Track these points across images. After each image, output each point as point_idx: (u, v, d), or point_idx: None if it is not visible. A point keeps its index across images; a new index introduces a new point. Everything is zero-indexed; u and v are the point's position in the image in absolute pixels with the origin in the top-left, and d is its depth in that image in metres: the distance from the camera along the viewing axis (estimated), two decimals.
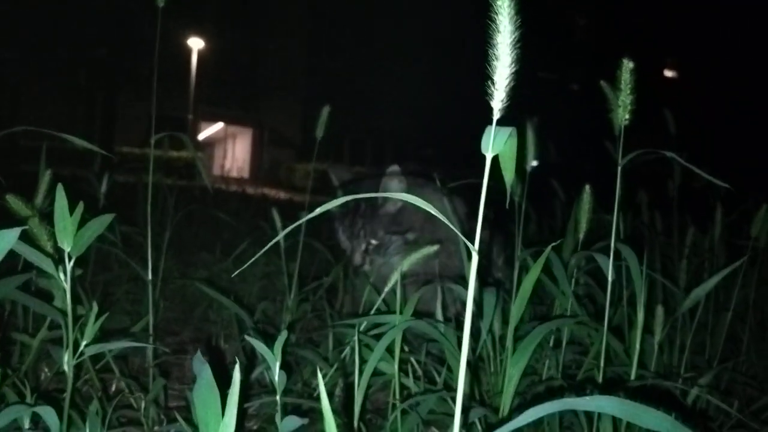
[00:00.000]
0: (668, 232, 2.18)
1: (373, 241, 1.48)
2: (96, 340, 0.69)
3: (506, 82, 0.46)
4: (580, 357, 1.14)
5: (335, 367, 1.13)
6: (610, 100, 1.14)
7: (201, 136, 22.79)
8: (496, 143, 0.45)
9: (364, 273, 1.49)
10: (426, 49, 17.43)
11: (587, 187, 1.01)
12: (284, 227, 1.44)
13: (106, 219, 0.66)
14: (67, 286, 0.62)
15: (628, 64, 0.84)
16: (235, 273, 0.60)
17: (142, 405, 0.88)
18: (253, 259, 0.56)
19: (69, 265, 0.62)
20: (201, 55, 19.43)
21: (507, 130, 0.46)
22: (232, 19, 19.64)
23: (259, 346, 0.65)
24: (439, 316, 1.03)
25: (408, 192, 1.61)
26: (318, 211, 0.53)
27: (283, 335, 0.68)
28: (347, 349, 1.11)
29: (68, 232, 0.60)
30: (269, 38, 20.70)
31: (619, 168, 0.85)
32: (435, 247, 1.03)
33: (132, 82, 12.91)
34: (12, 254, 0.63)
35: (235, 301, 1.89)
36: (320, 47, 20.71)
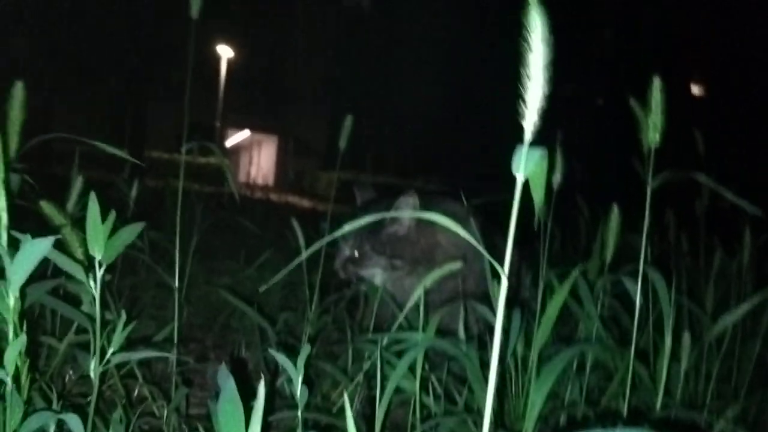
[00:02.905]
0: (695, 253, 2.15)
1: (356, 253, 1.49)
2: (122, 347, 0.70)
3: (538, 102, 0.46)
4: (604, 382, 1.12)
5: (355, 382, 1.13)
6: (640, 120, 1.13)
7: (228, 143, 23.05)
8: (528, 164, 0.45)
9: (383, 287, 1.51)
10: (455, 61, 17.44)
11: (615, 208, 1.00)
12: (306, 237, 1.45)
13: (137, 227, 0.67)
14: (97, 294, 0.63)
15: (657, 83, 0.83)
16: (263, 288, 0.61)
17: (165, 413, 0.89)
18: (277, 276, 0.57)
19: (99, 273, 0.63)
20: (230, 63, 19.71)
21: (538, 151, 0.46)
22: (260, 28, 19.89)
23: (283, 360, 0.65)
24: (462, 335, 1.02)
25: (429, 209, 1.62)
26: (337, 233, 0.54)
27: (305, 350, 0.68)
28: (367, 364, 1.11)
29: (99, 240, 0.61)
30: (296, 47, 20.93)
31: (649, 189, 0.83)
32: (458, 265, 1.03)
33: (162, 90, 13.15)
34: (43, 259, 0.64)
35: (258, 310, 1.91)
36: (347, 57, 20.85)
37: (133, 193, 1.49)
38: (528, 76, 0.46)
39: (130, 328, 0.69)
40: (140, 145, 12.96)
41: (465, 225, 1.60)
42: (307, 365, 0.68)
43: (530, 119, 0.45)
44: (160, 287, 1.78)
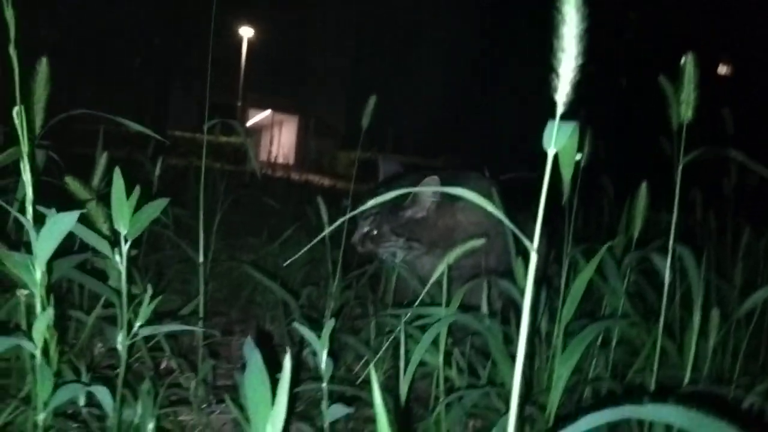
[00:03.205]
0: (722, 231, 2.11)
1: (375, 232, 1.50)
2: (149, 321, 0.71)
3: (571, 75, 0.44)
4: (630, 357, 1.12)
5: (378, 355, 1.14)
6: (668, 96, 1.10)
7: (249, 123, 23.14)
8: (558, 139, 0.44)
9: (402, 265, 1.51)
10: (477, 40, 17.22)
11: (644, 185, 0.98)
12: (329, 215, 1.45)
13: (161, 203, 0.67)
14: (123, 268, 0.63)
15: (691, 58, 0.80)
16: (286, 263, 0.61)
17: (192, 385, 0.90)
18: (300, 252, 0.57)
19: (125, 248, 0.63)
20: (251, 43, 19.70)
21: (570, 126, 0.45)
22: (282, 9, 19.81)
23: (307, 333, 0.65)
24: (484, 310, 1.02)
25: (452, 184, 1.61)
26: (360, 209, 0.54)
27: (329, 323, 0.68)
28: (390, 338, 1.11)
29: (125, 216, 0.61)
30: (317, 28, 20.84)
31: (680, 168, 0.82)
32: (480, 242, 1.03)
33: (184, 70, 13.19)
34: (69, 234, 0.65)
35: (281, 285, 1.93)
36: (367, 37, 20.71)
37: (157, 171, 1.50)
38: (561, 48, 0.45)
39: (156, 301, 0.69)
40: (163, 124, 13.06)
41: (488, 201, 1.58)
42: (331, 339, 0.68)
43: (562, 92, 0.44)
44: (184, 262, 1.80)
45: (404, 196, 1.52)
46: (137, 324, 0.67)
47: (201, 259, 0.99)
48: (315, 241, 0.56)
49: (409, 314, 1.03)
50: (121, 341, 0.64)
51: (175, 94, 14.27)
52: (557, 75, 0.45)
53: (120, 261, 0.63)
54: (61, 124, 0.92)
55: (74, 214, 0.50)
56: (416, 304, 1.13)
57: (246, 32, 19.55)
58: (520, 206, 1.87)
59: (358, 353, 1.26)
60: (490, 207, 0.53)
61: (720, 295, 1.43)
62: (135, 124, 0.85)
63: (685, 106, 0.78)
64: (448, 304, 0.92)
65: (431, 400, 1.00)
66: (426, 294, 1.42)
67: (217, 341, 1.56)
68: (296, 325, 0.67)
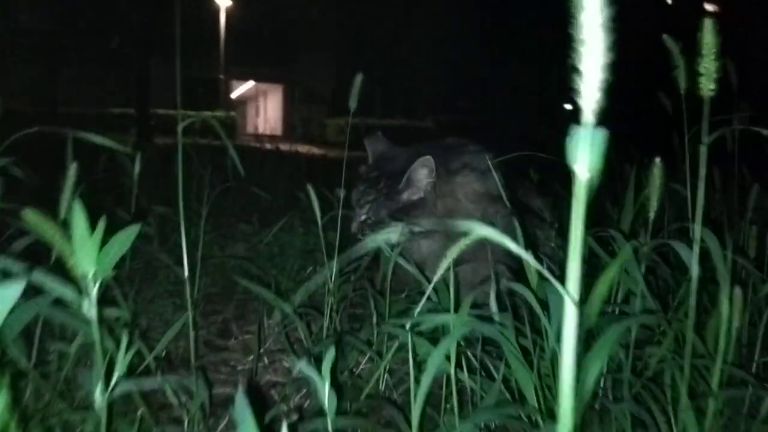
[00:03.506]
0: (726, 188, 2.05)
1: (372, 218, 1.45)
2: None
3: (599, 73, 0.36)
4: (646, 338, 1.06)
5: (385, 362, 1.08)
6: (679, 66, 1.02)
7: (233, 95, 22.83)
8: (589, 156, 0.36)
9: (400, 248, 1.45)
10: (460, 4, 16.88)
11: (658, 161, 0.91)
12: (319, 195, 1.38)
13: (132, 232, 0.60)
14: (93, 315, 0.55)
15: (709, 24, 0.72)
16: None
17: (186, 417, 0.84)
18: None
19: (93, 292, 0.55)
20: (230, 13, 19.28)
21: (600, 138, 0.37)
22: None
23: (310, 371, 0.59)
24: (494, 308, 0.96)
25: (448, 164, 1.53)
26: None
27: (330, 354, 0.61)
28: (396, 339, 1.06)
29: (90, 255, 0.53)
30: None
31: (706, 147, 0.74)
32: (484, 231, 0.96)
33: (166, 46, 12.89)
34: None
35: (276, 277, 1.86)
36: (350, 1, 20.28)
37: (137, 169, 1.41)
38: (581, 41, 0.37)
39: (132, 353, 0.62)
40: (146, 103, 12.82)
41: (487, 177, 1.52)
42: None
43: (589, 96, 0.36)
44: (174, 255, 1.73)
45: (399, 179, 1.45)
46: (114, 378, 0.60)
47: (186, 273, 0.91)
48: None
49: (415, 313, 0.97)
50: (98, 399, 0.57)
51: (158, 70, 13.98)
52: (579, 74, 0.37)
53: (88, 306, 0.55)
54: (45, 108, 0.84)
55: (17, 287, 0.42)
56: (425, 297, 1.07)
57: (223, 2, 19.13)
58: (520, 179, 1.80)
59: (360, 353, 1.21)
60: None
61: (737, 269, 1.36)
62: (99, 138, 0.77)
63: (707, 79, 0.70)
64: (452, 302, 0.86)
65: (443, 403, 0.94)
66: (426, 280, 1.37)
67: (214, 344, 1.50)
68: (299, 365, 0.61)
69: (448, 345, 0.72)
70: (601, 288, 0.66)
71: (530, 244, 1.49)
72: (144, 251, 1.69)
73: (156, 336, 1.40)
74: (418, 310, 0.97)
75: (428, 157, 1.40)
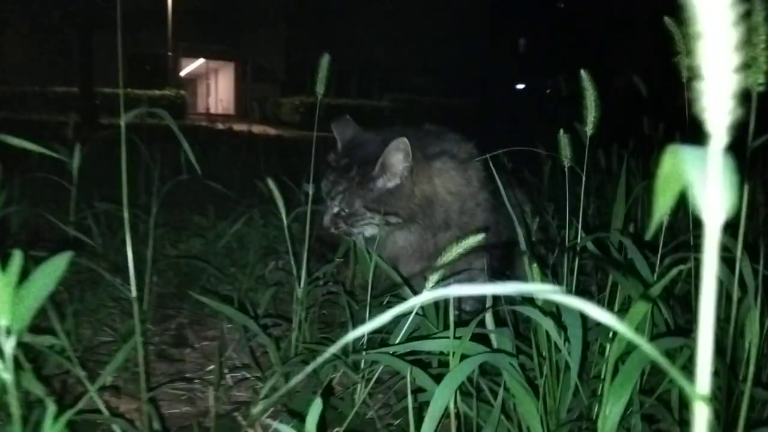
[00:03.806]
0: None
1: (346, 210, 1.33)
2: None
3: (730, 84, 0.25)
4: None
5: (360, 374, 0.97)
6: (678, 41, 0.94)
7: (183, 73, 22.14)
8: (725, 197, 0.25)
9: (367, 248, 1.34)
10: None
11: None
12: (280, 184, 1.23)
13: (59, 263, 0.46)
14: (9, 377, 0.42)
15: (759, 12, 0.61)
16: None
17: None
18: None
19: (9, 347, 0.42)
20: None
21: (729, 162, 0.25)
22: None
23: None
24: (491, 325, 0.85)
25: (426, 150, 1.42)
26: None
27: (316, 406, 0.49)
28: (383, 367, 0.94)
29: (2, 305, 0.40)
30: None
31: (749, 150, 0.64)
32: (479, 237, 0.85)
33: (110, 21, 12.30)
34: None
35: (235, 273, 1.72)
36: None
37: (76, 162, 1.25)
38: (704, 40, 0.25)
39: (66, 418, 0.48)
40: (89, 82, 12.25)
41: (467, 167, 1.39)
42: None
43: (719, 117, 0.25)
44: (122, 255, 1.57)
45: (372, 165, 1.32)
46: None
47: (134, 293, 0.77)
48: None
49: (400, 337, 0.86)
50: None
51: (103, 47, 13.35)
52: (695, 79, 0.26)
53: (3, 368, 0.42)
54: None
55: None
56: (412, 316, 0.96)
57: None
58: (500, 168, 1.70)
59: (335, 366, 1.09)
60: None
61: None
62: (24, 142, 0.63)
63: (755, 71, 0.59)
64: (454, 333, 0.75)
65: None
66: (398, 276, 1.25)
67: (168, 354, 1.36)
68: (277, 426, 0.48)
69: (453, 384, 0.60)
70: (629, 324, 0.56)
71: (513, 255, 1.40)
72: (86, 253, 1.52)
73: (103, 351, 1.26)
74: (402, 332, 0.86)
75: (403, 139, 1.28)
